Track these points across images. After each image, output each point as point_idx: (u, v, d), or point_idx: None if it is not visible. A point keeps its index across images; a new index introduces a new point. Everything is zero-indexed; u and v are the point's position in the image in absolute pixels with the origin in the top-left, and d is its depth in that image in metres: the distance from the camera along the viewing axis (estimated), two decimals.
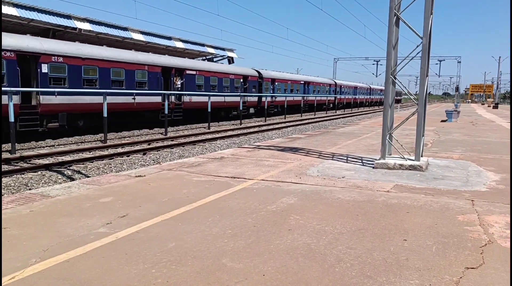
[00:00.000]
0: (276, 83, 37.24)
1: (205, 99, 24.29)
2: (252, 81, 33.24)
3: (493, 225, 4.29)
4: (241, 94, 29.45)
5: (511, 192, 5.68)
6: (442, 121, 22.07)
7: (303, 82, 43.19)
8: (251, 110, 34.90)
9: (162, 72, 23.08)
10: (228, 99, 28.81)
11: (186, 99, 24.65)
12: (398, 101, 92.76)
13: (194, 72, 25.74)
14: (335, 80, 54.98)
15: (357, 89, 62.72)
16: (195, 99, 25.20)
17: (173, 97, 23.35)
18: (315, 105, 41.29)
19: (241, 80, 31.37)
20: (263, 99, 32.66)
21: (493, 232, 4.08)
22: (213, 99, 25.24)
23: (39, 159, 12.11)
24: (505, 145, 11.40)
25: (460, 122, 21.69)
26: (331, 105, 51.76)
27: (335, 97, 52.01)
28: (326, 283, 2.95)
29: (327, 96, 48.11)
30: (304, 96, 41.80)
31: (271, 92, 35.65)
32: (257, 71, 34.34)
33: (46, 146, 15.26)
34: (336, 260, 3.35)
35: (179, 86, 24.52)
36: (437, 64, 71.70)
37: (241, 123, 26.74)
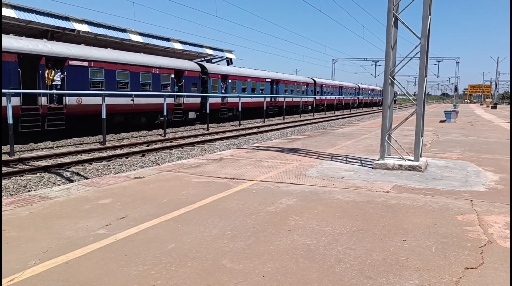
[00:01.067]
0: (230, 81, 29.59)
1: (103, 100, 16.16)
2: (190, 77, 25.39)
3: (493, 225, 4.30)
4: (165, 93, 20.93)
5: (511, 192, 5.68)
6: (441, 121, 22.10)
7: (269, 80, 35.90)
8: (191, 115, 26.11)
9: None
10: (144, 100, 21.24)
11: (70, 101, 17.64)
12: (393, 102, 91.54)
13: (84, 63, 18.39)
14: (314, 78, 48.10)
15: (342, 89, 56.24)
16: (86, 101, 18.22)
17: (43, 99, 16.74)
18: (284, 107, 33.90)
19: (172, 76, 23.78)
20: (214, 100, 26.84)
21: (493, 232, 4.08)
22: (115, 100, 19.55)
23: (38, 161, 12.09)
24: (504, 145, 11.42)
25: (459, 122, 21.72)
26: (310, 107, 44.93)
27: (314, 97, 45.38)
28: (326, 284, 2.95)
29: (301, 97, 41.38)
30: (271, 96, 35.35)
31: (223, 91, 28.76)
32: (199, 64, 27.55)
33: (45, 147, 15.24)
34: (336, 261, 3.35)
35: (58, 82, 17.54)
36: (435, 64, 71.87)
37: (239, 124, 26.73)
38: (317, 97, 46.92)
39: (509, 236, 3.96)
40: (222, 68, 30.60)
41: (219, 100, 28.21)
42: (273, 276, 3.07)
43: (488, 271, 3.17)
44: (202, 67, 27.51)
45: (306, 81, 45.39)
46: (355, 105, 62.13)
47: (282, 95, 36.70)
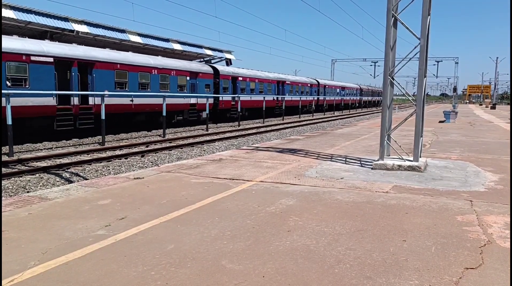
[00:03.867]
0: (239, 82, 31.52)
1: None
2: (203, 79, 27.10)
3: (492, 225, 4.30)
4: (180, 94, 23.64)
5: (511, 193, 5.69)
6: (440, 121, 22.12)
7: (275, 81, 37.52)
8: (204, 114, 26.19)
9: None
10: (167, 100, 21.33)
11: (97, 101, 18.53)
12: (379, 103, 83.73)
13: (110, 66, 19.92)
14: (318, 80, 49.42)
15: (344, 90, 57.79)
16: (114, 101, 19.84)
17: (75, 99, 18.11)
18: (283, 107, 34.72)
19: (188, 78, 25.63)
20: (225, 99, 28.94)
21: (492, 232, 4.08)
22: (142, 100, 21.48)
23: (37, 162, 12.08)
24: (503, 146, 11.43)
25: (458, 122, 21.74)
26: (313, 107, 45.91)
27: (317, 98, 47.53)
28: (326, 284, 2.95)
29: (305, 97, 43.15)
30: (277, 97, 36.81)
31: (231, 92, 30.45)
32: (212, 67, 29.22)
33: (44, 148, 15.23)
34: (336, 261, 3.35)
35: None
36: (434, 65, 71.89)
37: (239, 125, 26.73)
38: (321, 97, 48.54)
39: (508, 236, 3.97)
40: (228, 69, 32.53)
41: (228, 98, 30.37)
42: (273, 276, 3.07)
43: (488, 271, 3.17)
44: (214, 68, 29.65)
45: (310, 82, 46.60)
46: (356, 105, 62.86)
47: (289, 96, 39.09)
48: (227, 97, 29.55)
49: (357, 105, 64.21)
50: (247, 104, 32.24)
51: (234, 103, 30.25)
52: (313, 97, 46.41)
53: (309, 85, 45.69)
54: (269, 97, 34.86)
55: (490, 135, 14.79)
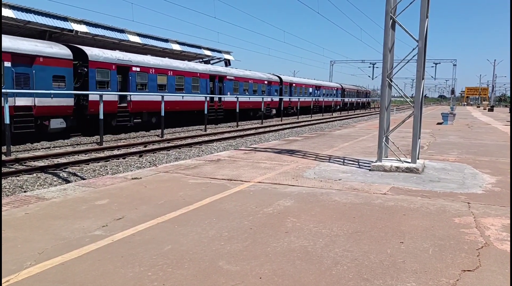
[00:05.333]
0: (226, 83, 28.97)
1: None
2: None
3: (490, 227, 4.30)
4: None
5: (511, 195, 5.69)
6: (438, 123, 22.15)
7: (208, 75, 27.56)
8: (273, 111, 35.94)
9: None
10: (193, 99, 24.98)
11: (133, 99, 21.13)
12: (368, 104, 75.08)
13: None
14: (280, 76, 39.92)
15: (320, 90, 49.40)
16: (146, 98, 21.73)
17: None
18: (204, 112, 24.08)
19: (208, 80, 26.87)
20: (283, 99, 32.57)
21: (490, 234, 4.08)
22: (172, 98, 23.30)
23: (34, 161, 12.05)
24: (500, 148, 11.45)
25: (456, 124, 21.78)
26: (274, 111, 37.56)
27: (280, 99, 38.33)
28: None
29: (259, 98, 32.96)
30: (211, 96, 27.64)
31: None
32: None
33: (42, 148, 15.19)
34: (333, 263, 3.34)
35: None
36: (432, 67, 72.16)
37: (237, 125, 26.73)
38: (286, 98, 39.30)
39: (506, 238, 3.97)
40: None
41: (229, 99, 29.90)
42: (270, 278, 3.06)
43: (485, 274, 3.17)
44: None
45: (268, 79, 36.74)
46: (337, 107, 54.15)
47: (231, 96, 29.49)
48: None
49: (339, 107, 55.73)
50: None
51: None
52: (272, 98, 36.50)
53: (266, 82, 35.96)
54: (192, 97, 25.00)
55: (487, 137, 14.83)
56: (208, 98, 24.97)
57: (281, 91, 39.31)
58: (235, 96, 28.77)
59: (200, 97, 25.28)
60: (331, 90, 54.39)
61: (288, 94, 40.81)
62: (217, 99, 28.52)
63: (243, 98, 30.71)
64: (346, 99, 59.46)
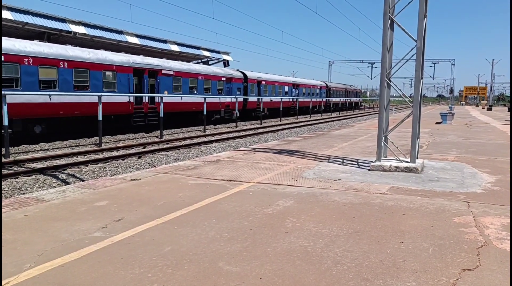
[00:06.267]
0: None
1: None
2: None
3: (489, 226, 4.31)
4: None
5: (511, 195, 5.70)
6: (437, 123, 22.18)
7: (132, 68, 20.89)
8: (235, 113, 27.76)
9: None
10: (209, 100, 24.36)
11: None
12: (355, 105, 69.41)
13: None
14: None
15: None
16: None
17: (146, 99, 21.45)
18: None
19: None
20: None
21: (489, 233, 4.09)
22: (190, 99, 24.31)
23: (33, 163, 12.03)
24: (499, 147, 11.47)
25: (455, 124, 21.81)
26: (237, 114, 28.06)
27: (245, 99, 32.29)
28: None
29: (213, 98, 27.20)
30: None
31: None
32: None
33: (40, 149, 15.17)
34: (333, 263, 3.34)
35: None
36: (431, 66, 72.04)
37: (236, 126, 26.73)
38: (252, 98, 33.38)
39: (505, 237, 3.97)
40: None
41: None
42: (270, 278, 3.06)
43: (485, 273, 3.17)
44: (244, 74, 30.52)
45: (226, 75, 30.05)
46: (321, 109, 48.31)
47: (175, 95, 24.03)
48: None
49: (323, 108, 49.61)
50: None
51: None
52: (231, 98, 29.17)
53: (223, 79, 29.26)
54: (107, 98, 18.63)
55: (486, 136, 14.84)
56: (132, 99, 20.63)
57: (246, 89, 33.04)
58: (178, 95, 23.90)
59: (120, 97, 19.79)
60: (314, 88, 48.36)
61: (256, 93, 34.57)
62: (147, 100, 21.95)
63: (188, 98, 24.97)
64: (332, 99, 53.45)
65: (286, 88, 40.91)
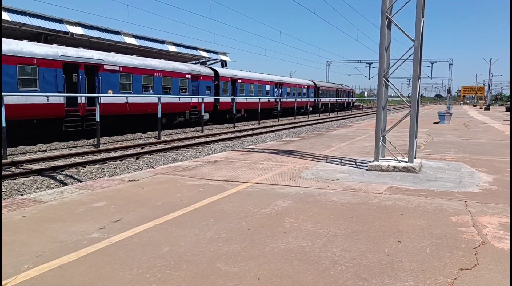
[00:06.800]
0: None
1: None
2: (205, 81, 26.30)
3: (487, 226, 4.32)
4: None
5: (511, 194, 5.71)
6: (435, 123, 22.22)
7: (60, 62, 17.39)
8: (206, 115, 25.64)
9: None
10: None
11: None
12: (347, 106, 63.60)
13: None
14: (216, 69, 30.00)
15: (282, 88, 39.50)
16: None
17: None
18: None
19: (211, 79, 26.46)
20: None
21: (487, 233, 4.10)
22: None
23: (31, 164, 12.00)
24: (497, 147, 11.50)
25: (453, 124, 21.85)
26: (183, 119, 25.60)
27: (216, 99, 28.37)
28: None
29: (176, 98, 24.08)
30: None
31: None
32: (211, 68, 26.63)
33: (38, 150, 15.14)
34: (331, 263, 3.35)
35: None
36: (429, 66, 72.29)
37: (234, 127, 26.73)
38: (225, 98, 29.33)
39: (503, 236, 3.99)
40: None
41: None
42: (268, 278, 3.06)
43: (482, 272, 3.18)
44: (215, 71, 27.96)
45: (191, 72, 25.95)
46: (308, 110, 43.00)
47: (137, 96, 21.16)
48: None
49: (311, 109, 45.18)
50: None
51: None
52: (198, 98, 25.10)
53: (188, 76, 25.49)
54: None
55: (484, 136, 14.88)
56: (62, 99, 17.29)
57: (218, 88, 29.11)
58: (126, 95, 20.45)
59: (42, 98, 16.30)
60: (300, 88, 44.53)
61: (230, 93, 30.61)
62: (84, 101, 18.48)
63: (140, 99, 21.42)
64: (321, 99, 49.59)
65: (268, 87, 36.69)
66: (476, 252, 3.58)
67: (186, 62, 29.94)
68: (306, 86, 46.48)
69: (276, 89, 38.37)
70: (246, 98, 32.20)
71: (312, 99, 46.78)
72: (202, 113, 24.02)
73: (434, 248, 3.67)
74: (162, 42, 29.57)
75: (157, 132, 19.79)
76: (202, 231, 4.12)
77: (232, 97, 29.27)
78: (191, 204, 5.13)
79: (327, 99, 52.01)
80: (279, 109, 35.49)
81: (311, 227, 4.27)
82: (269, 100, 36.29)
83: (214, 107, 28.43)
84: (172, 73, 24.26)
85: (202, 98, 24.50)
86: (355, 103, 72.20)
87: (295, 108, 38.28)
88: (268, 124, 29.96)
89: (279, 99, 37.12)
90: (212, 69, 29.38)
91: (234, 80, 31.35)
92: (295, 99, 40.49)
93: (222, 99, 29.15)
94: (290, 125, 29.15)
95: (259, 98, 32.89)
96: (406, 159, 7.68)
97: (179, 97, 24.45)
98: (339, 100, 57.93)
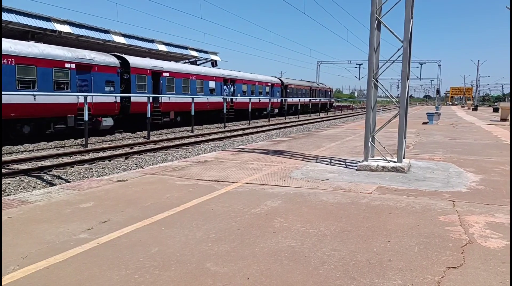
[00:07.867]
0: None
1: None
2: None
3: (473, 225, 4.37)
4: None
5: (511, 193, 5.78)
6: (424, 123, 22.44)
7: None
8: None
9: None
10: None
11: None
12: (323, 107, 53.86)
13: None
14: (124, 57, 22.30)
15: (240, 85, 33.83)
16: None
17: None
18: None
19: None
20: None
21: (474, 232, 4.15)
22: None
23: (17, 164, 11.83)
24: (484, 147, 11.66)
25: (441, 124, 22.09)
26: (64, 125, 18.43)
27: (156, 97, 22.90)
28: (310, 285, 2.95)
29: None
30: None
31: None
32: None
33: (25, 150, 14.93)
34: (320, 262, 3.35)
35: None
36: (418, 67, 72.78)
37: (224, 127, 26.67)
38: (168, 98, 24.25)
39: (489, 235, 4.04)
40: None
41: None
42: (258, 278, 3.06)
43: (469, 270, 3.21)
44: (124, 60, 21.80)
45: (74, 60, 18.53)
46: (271, 112, 36.34)
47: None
48: None
49: (277, 111, 40.56)
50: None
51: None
52: (92, 97, 18.51)
53: (68, 65, 18.29)
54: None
55: (471, 136, 15.07)
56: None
57: (128, 83, 22.26)
58: None
59: None
60: (261, 86, 37.65)
61: (150, 90, 23.49)
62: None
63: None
64: (289, 99, 42.80)
65: (212, 84, 29.70)
66: (463, 251, 3.62)
67: (176, 61, 29.78)
68: (269, 84, 39.66)
69: (225, 87, 31.84)
70: (176, 97, 25.10)
71: (276, 100, 40.24)
72: (85, 118, 16.19)
73: (422, 247, 3.70)
74: (152, 41, 29.40)
75: (146, 132, 19.66)
76: (191, 231, 4.10)
77: (149, 95, 20.72)
78: (180, 204, 5.10)
79: (296, 99, 44.28)
80: (224, 111, 27.82)
81: (300, 226, 4.27)
82: (208, 100, 28.65)
83: (121, 108, 21.30)
84: (37, 60, 16.84)
85: (85, 97, 16.39)
86: (333, 105, 62.93)
87: (249, 110, 30.81)
88: (259, 124, 29.95)
89: (230, 99, 31.40)
90: (119, 58, 21.87)
91: (156, 73, 24.04)
92: (249, 99, 32.03)
93: (135, 98, 21.73)
94: (281, 125, 29.19)
95: (192, 97, 24.34)
96: (395, 159, 7.74)
97: (54, 95, 17.25)
98: (313, 101, 49.87)
